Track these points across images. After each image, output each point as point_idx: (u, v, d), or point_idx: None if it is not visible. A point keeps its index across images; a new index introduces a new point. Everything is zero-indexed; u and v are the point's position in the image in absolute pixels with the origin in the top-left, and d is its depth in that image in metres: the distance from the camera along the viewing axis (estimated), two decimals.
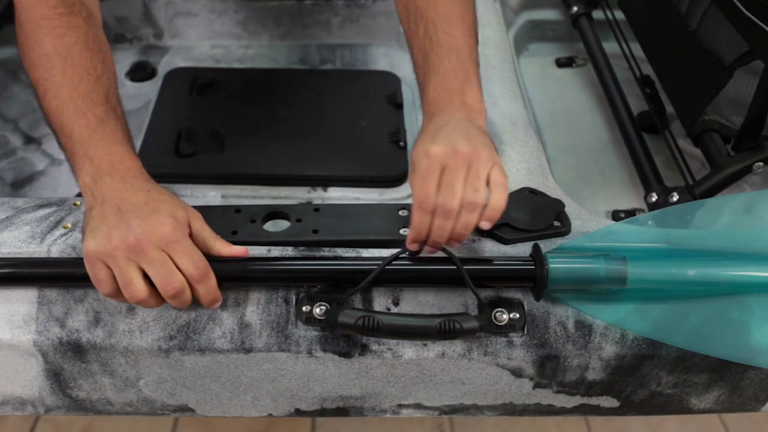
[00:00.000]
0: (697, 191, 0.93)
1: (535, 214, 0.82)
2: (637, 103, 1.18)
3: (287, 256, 0.78)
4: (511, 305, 0.77)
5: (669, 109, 1.12)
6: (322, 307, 0.75)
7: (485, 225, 0.74)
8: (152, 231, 0.69)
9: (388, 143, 1.16)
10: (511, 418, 1.46)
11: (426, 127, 0.82)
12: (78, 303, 0.77)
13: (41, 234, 0.79)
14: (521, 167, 0.91)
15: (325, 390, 0.82)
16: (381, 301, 0.77)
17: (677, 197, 0.94)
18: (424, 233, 0.73)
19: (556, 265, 0.73)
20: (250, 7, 1.43)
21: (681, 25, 1.01)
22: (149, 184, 0.77)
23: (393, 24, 1.43)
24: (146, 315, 0.76)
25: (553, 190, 0.87)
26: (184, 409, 0.84)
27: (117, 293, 0.71)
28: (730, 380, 0.82)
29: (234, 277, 0.75)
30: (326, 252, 0.79)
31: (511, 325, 0.76)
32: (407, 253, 0.76)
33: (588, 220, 0.83)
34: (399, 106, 1.25)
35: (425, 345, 0.77)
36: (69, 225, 0.81)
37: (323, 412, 0.85)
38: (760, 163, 0.90)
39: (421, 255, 0.77)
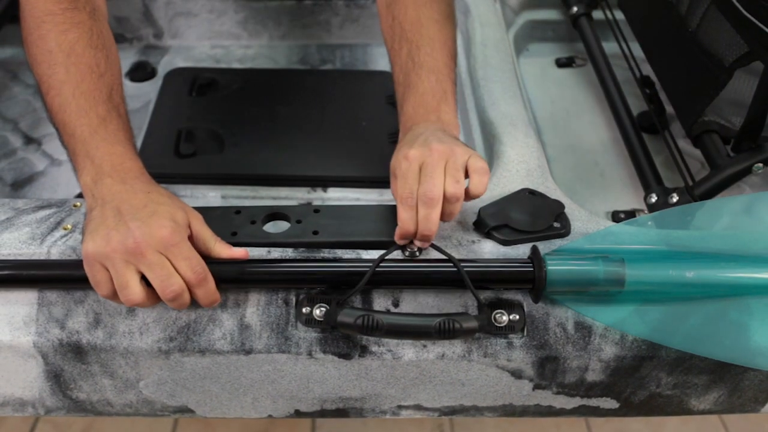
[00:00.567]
0: (697, 192, 0.93)
1: (534, 216, 0.82)
2: (636, 104, 1.18)
3: (287, 258, 0.78)
4: (510, 306, 0.77)
5: (669, 109, 1.12)
6: (322, 309, 0.76)
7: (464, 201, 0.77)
8: (151, 234, 0.69)
9: (387, 143, 1.16)
10: (510, 419, 1.46)
11: (402, 138, 0.86)
12: (78, 304, 0.77)
13: (41, 235, 0.79)
14: (521, 168, 0.91)
15: (325, 391, 0.82)
16: (381, 303, 0.77)
17: (677, 198, 0.94)
18: (412, 228, 0.75)
19: (555, 267, 0.73)
20: (250, 7, 1.42)
21: (681, 25, 1.01)
22: (149, 186, 0.77)
23: None
24: (146, 316, 0.76)
25: (552, 191, 0.87)
26: (184, 410, 0.84)
27: (115, 295, 0.71)
28: (730, 381, 0.82)
29: (233, 279, 0.75)
30: (326, 253, 0.79)
31: (510, 327, 0.76)
32: (404, 252, 0.77)
33: (588, 221, 0.83)
34: None
35: (425, 346, 0.78)
36: (69, 226, 0.81)
37: (323, 413, 0.85)
38: (760, 164, 0.90)
39: (413, 250, 0.77)
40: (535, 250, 0.76)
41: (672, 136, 1.06)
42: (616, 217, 1.02)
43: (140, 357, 0.77)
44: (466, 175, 0.77)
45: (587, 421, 1.64)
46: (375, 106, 1.24)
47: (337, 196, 1.11)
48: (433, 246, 0.77)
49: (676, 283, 0.73)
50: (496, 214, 0.82)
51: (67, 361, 0.78)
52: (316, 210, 0.86)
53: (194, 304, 0.74)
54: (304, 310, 0.76)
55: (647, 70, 1.16)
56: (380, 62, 1.42)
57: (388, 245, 0.79)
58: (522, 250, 0.79)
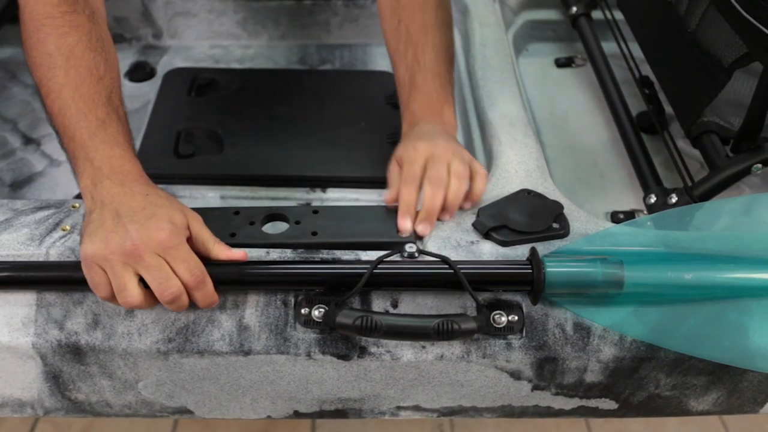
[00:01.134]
0: (696, 193, 0.92)
1: (533, 216, 0.82)
2: (636, 104, 1.18)
3: (285, 259, 0.78)
4: (509, 307, 0.77)
5: (668, 109, 1.11)
6: (321, 310, 0.75)
7: (467, 205, 0.85)
8: (149, 236, 0.69)
9: (387, 144, 1.16)
10: (510, 419, 1.46)
11: (408, 132, 0.93)
12: (77, 305, 0.77)
13: (40, 236, 0.79)
14: (520, 168, 0.91)
15: (323, 392, 0.82)
16: (380, 304, 0.77)
17: (676, 198, 0.94)
18: (413, 205, 0.82)
19: (553, 269, 0.73)
20: (249, 7, 1.42)
21: (680, 26, 1.01)
22: (148, 188, 0.77)
23: None
24: (145, 317, 0.76)
25: (551, 192, 0.87)
26: (183, 411, 0.84)
27: (114, 297, 0.71)
28: (729, 382, 0.82)
29: (232, 281, 0.75)
30: (325, 254, 0.79)
31: (509, 328, 0.76)
32: (402, 254, 0.77)
33: (587, 221, 0.83)
34: (398, 106, 1.24)
35: (424, 347, 0.78)
36: (68, 227, 0.81)
37: (322, 414, 0.85)
38: (759, 165, 0.90)
39: (412, 251, 0.78)
40: (533, 251, 0.76)
41: (671, 137, 1.06)
42: (615, 217, 1.02)
43: (139, 358, 0.77)
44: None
45: (587, 421, 1.64)
46: (374, 107, 1.24)
47: (336, 196, 1.10)
48: (429, 253, 0.77)
49: (675, 285, 0.73)
50: (495, 215, 0.82)
51: (65, 362, 0.78)
52: (315, 211, 0.86)
53: (192, 305, 0.74)
54: (302, 311, 0.76)
55: (646, 70, 1.16)
56: (380, 62, 1.42)
57: (388, 246, 0.79)
58: (521, 251, 0.79)
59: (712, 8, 0.93)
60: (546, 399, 0.83)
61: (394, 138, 1.16)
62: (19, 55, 1.37)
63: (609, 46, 1.27)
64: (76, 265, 0.73)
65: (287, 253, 0.79)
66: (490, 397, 0.83)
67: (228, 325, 0.77)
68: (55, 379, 0.80)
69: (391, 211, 0.86)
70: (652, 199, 0.97)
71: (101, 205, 0.74)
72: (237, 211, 0.85)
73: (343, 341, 0.77)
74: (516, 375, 0.80)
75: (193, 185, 1.11)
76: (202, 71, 1.32)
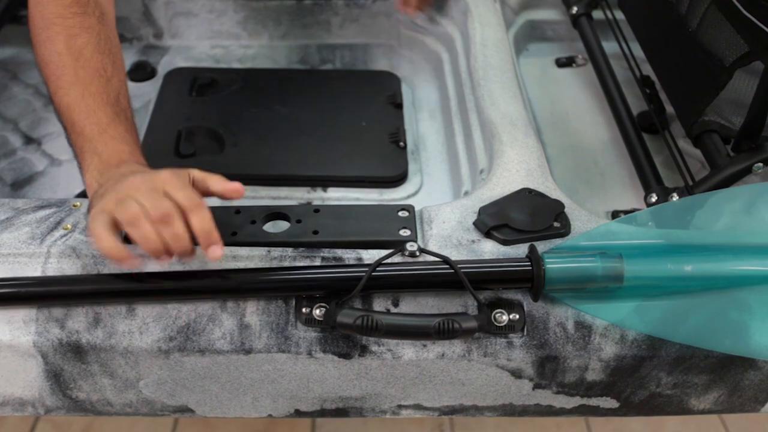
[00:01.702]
0: (697, 192, 0.92)
1: (534, 215, 0.82)
2: (636, 104, 1.18)
3: (284, 267, 0.78)
4: (510, 306, 0.77)
5: (669, 109, 1.11)
6: (322, 309, 0.76)
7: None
8: (151, 179, 0.73)
9: (387, 143, 1.16)
10: (510, 418, 1.46)
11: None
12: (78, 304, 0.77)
13: (41, 235, 0.79)
14: (521, 168, 0.91)
15: (324, 391, 0.82)
16: (381, 303, 0.77)
17: (677, 198, 0.94)
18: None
19: (553, 265, 0.73)
20: (250, 7, 1.42)
21: (681, 25, 1.01)
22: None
23: (393, 24, 1.43)
24: (146, 316, 0.76)
25: (552, 191, 0.87)
26: (184, 409, 0.84)
27: (120, 249, 0.71)
28: (730, 381, 0.82)
29: (232, 289, 0.76)
30: (326, 253, 0.79)
31: (510, 326, 0.76)
32: (404, 253, 0.77)
33: (587, 220, 0.83)
34: (399, 106, 1.25)
35: (425, 346, 0.78)
36: (69, 226, 0.81)
37: (323, 413, 0.85)
38: (760, 164, 0.90)
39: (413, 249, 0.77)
40: (532, 248, 0.76)
41: (672, 136, 1.06)
42: (616, 216, 1.02)
43: (140, 357, 0.77)
44: None
45: (587, 421, 1.64)
46: (375, 106, 1.24)
47: (337, 195, 1.11)
48: (430, 252, 0.77)
49: (675, 277, 0.73)
50: (496, 214, 0.82)
51: (66, 361, 0.78)
52: (316, 210, 0.86)
53: (192, 305, 0.74)
54: (303, 309, 0.76)
55: (647, 69, 1.16)
56: (380, 62, 1.42)
57: (389, 244, 0.79)
58: (522, 250, 0.79)
59: (713, 8, 0.94)
60: (547, 398, 0.83)
61: (394, 137, 1.17)
62: (20, 55, 1.38)
63: (610, 46, 1.26)
64: (76, 280, 0.75)
65: (288, 252, 0.79)
66: (491, 396, 0.83)
67: (229, 323, 0.77)
68: (56, 378, 0.80)
69: (391, 210, 0.86)
70: (653, 198, 0.97)
71: (107, 180, 0.77)
72: (238, 210, 0.85)
73: (344, 340, 0.77)
74: (517, 373, 0.80)
75: None
76: (203, 71, 1.32)
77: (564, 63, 1.39)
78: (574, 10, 1.35)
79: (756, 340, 0.73)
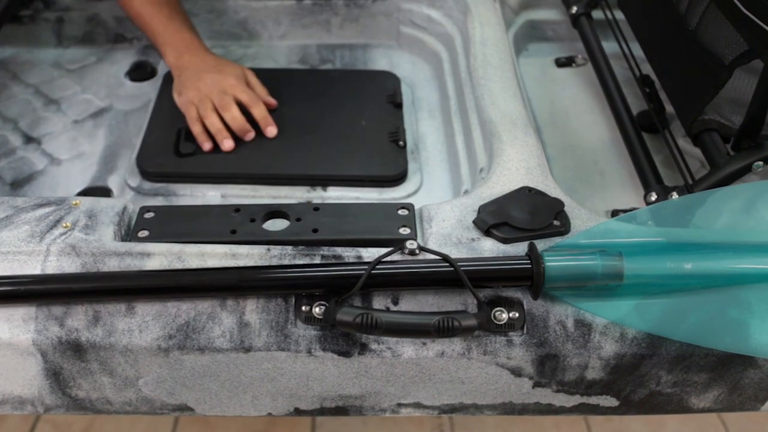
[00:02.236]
0: (697, 190, 0.92)
1: (534, 214, 0.82)
2: (636, 103, 1.18)
3: (284, 264, 0.78)
4: (510, 304, 0.77)
5: (668, 108, 1.12)
6: (321, 307, 0.75)
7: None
8: (221, 82, 1.16)
9: (387, 143, 1.16)
10: (510, 417, 1.46)
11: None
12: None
13: (41, 233, 0.79)
14: (521, 166, 0.91)
15: (324, 389, 0.82)
16: (380, 301, 0.77)
17: (676, 197, 0.94)
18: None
19: (553, 263, 0.73)
20: (250, 7, 1.43)
21: (680, 24, 1.01)
22: (214, 56, 1.23)
23: (393, 24, 1.43)
24: (145, 314, 0.76)
25: (552, 190, 0.87)
26: (184, 408, 0.84)
27: (202, 132, 1.15)
28: (730, 379, 0.82)
29: (231, 287, 0.76)
30: (325, 251, 0.79)
31: (510, 324, 0.76)
32: (403, 251, 0.77)
33: (587, 219, 0.83)
34: (399, 105, 1.25)
35: (424, 344, 0.77)
36: (68, 224, 0.81)
37: (323, 411, 0.85)
38: (760, 162, 0.90)
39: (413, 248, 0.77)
40: (532, 246, 0.76)
41: (672, 135, 1.06)
42: (615, 215, 1.02)
43: (139, 355, 0.77)
44: None
45: (587, 419, 1.64)
46: (375, 106, 1.24)
47: (337, 195, 1.11)
48: (429, 250, 0.77)
49: (675, 275, 0.73)
50: (496, 212, 0.82)
51: (66, 359, 0.78)
52: (316, 208, 0.86)
53: (192, 303, 0.75)
54: (303, 308, 0.76)
55: (647, 69, 1.16)
56: (380, 62, 1.42)
57: (388, 243, 0.79)
58: (522, 248, 0.79)
59: (713, 6, 0.94)
60: (547, 396, 0.83)
61: (394, 137, 1.17)
62: (20, 55, 1.38)
63: (609, 46, 1.27)
64: (74, 278, 0.75)
65: (288, 250, 0.79)
66: (490, 394, 0.83)
67: (228, 321, 0.77)
68: (55, 376, 0.80)
69: (391, 208, 0.86)
70: (653, 197, 0.97)
71: (185, 69, 1.19)
72: (237, 209, 0.85)
73: (344, 338, 0.77)
74: (517, 372, 0.80)
75: (193, 184, 1.11)
76: None
77: (564, 63, 1.39)
78: (574, 9, 1.35)
79: (756, 339, 0.73)
